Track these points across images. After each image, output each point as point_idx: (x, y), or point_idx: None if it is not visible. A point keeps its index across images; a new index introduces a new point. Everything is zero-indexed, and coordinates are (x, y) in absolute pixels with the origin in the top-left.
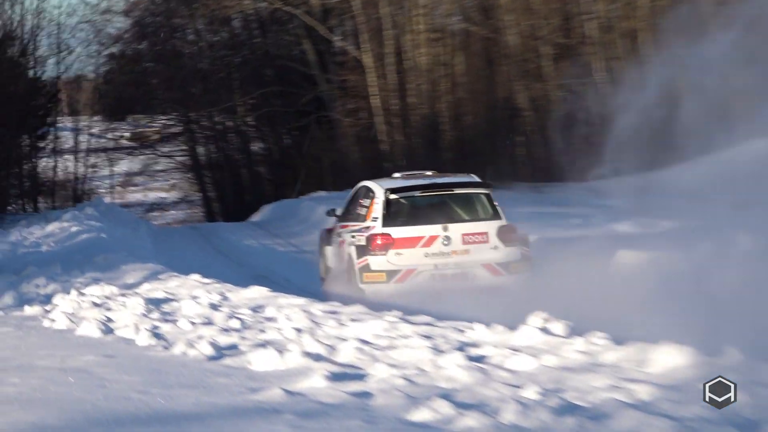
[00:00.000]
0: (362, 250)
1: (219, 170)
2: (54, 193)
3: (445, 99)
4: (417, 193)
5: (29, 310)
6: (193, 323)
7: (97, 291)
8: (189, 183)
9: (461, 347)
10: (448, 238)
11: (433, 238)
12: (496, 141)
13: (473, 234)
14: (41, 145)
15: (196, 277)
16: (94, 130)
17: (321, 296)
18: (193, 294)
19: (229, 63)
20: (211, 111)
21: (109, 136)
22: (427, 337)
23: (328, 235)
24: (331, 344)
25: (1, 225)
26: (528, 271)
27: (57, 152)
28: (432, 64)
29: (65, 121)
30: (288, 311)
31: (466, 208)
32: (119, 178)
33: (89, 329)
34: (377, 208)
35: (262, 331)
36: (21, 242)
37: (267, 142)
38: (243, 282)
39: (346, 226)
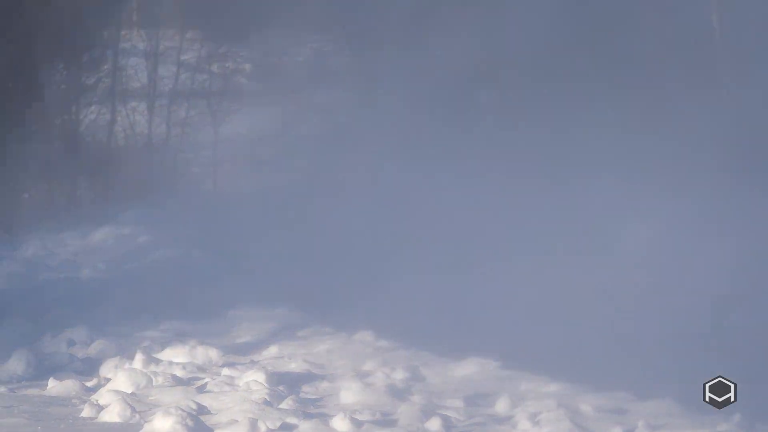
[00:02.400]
0: None
1: None
2: (108, 172)
3: None
4: None
5: (57, 386)
6: (357, 422)
7: (182, 356)
8: None
9: None
10: None
11: None
12: None
13: None
14: (87, 81)
15: (365, 335)
16: (188, 58)
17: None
18: (359, 367)
19: None
20: None
21: (216, 68)
22: None
23: None
24: None
25: (7, 229)
26: None
27: (117, 96)
28: None
29: (135, 40)
30: (535, 405)
31: None
32: (231, 148)
33: (166, 427)
34: None
35: None
36: (43, 261)
37: None
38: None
39: None
